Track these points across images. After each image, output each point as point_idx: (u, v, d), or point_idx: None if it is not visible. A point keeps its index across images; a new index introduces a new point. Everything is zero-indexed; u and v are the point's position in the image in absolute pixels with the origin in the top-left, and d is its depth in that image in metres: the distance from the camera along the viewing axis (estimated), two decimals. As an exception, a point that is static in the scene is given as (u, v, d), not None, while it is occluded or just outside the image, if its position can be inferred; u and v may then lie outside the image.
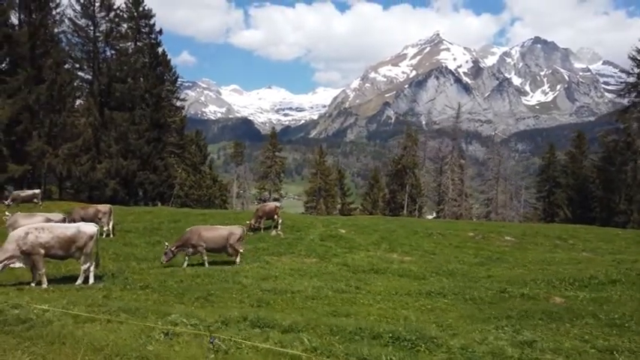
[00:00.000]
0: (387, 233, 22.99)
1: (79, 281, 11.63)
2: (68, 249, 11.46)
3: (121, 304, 7.63)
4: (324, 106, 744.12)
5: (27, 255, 10.87)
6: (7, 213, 17.97)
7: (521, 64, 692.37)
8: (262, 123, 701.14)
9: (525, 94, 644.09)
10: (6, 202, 28.02)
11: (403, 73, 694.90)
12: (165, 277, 11.97)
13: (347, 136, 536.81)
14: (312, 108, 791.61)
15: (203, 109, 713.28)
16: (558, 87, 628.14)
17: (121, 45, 46.19)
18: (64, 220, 15.92)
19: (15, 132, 35.91)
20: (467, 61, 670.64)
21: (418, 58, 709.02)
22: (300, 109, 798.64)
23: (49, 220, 15.88)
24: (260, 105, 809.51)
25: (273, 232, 20.85)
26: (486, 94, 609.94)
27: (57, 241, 11.21)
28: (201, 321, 6.36)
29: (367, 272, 13.65)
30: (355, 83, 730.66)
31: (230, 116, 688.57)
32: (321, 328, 6.43)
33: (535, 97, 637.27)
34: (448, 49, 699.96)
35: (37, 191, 31.34)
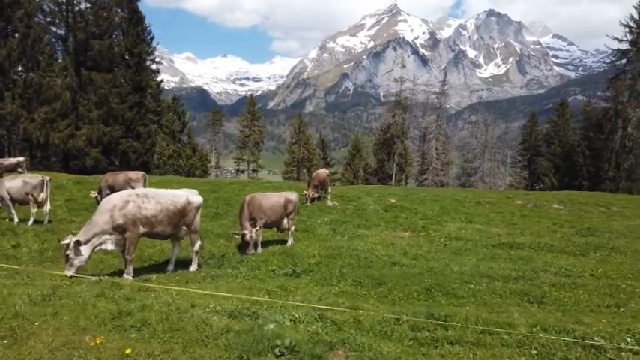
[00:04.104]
0: (437, 203, 21.31)
1: (194, 266, 9.01)
2: (177, 225, 8.70)
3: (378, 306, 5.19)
4: (282, 77, 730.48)
5: (122, 231, 8.06)
6: None
7: (475, 37, 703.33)
8: (218, 93, 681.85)
9: (479, 66, 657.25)
10: (-12, 173, 24.09)
11: (361, 43, 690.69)
12: (290, 258, 9.56)
13: (306, 107, 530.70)
14: (269, 78, 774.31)
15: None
16: (510, 60, 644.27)
17: (96, -3, 41.25)
18: (42, 183, 12.94)
19: (-14, 92, 31.29)
20: (424, 33, 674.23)
21: (376, 28, 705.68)
22: (257, 79, 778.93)
23: (26, 183, 12.83)
24: (215, 74, 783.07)
25: (330, 203, 18.57)
26: (443, 66, 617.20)
27: (166, 215, 8.37)
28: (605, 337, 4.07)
29: (500, 247, 11.78)
30: (313, 53, 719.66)
31: (184, 85, 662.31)
32: None
33: (489, 70, 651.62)
34: (405, 20, 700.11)
35: (21, 159, 27.32)
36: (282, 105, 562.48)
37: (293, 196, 12.26)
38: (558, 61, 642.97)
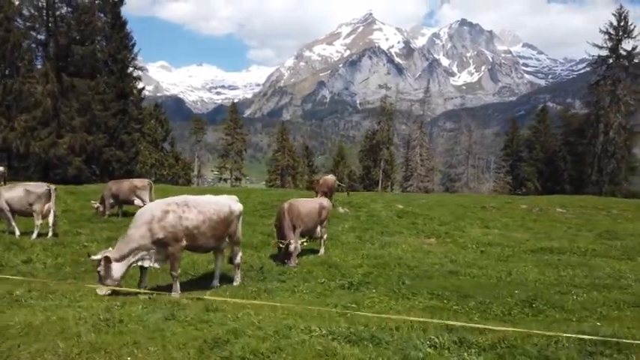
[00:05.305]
0: (445, 209, 21.03)
1: (238, 280, 8.23)
2: (221, 237, 7.87)
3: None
4: (258, 85, 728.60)
5: (162, 246, 7.24)
6: None
7: (449, 46, 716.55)
8: (193, 102, 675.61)
9: (453, 74, 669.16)
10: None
11: (337, 52, 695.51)
12: (335, 269, 8.90)
13: (283, 115, 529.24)
14: (245, 86, 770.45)
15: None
16: (483, 68, 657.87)
17: (78, 1, 39.94)
18: (48, 192, 11.92)
19: (-37, 99, 29.69)
20: (398, 42, 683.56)
21: (352, 37, 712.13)
22: (233, 88, 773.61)
23: (30, 192, 11.72)
24: (190, 83, 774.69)
25: (341, 210, 17.97)
26: (417, 75, 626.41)
27: (209, 226, 7.51)
28: None
29: (542, 253, 11.42)
30: (290, 62, 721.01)
31: (158, 94, 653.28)
32: None
33: (462, 78, 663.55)
34: (381, 29, 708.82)
35: (0, 169, 25.98)
36: (258, 113, 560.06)
37: (326, 202, 11.64)
38: (528, 69, 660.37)
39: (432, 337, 4.17)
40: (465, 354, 3.92)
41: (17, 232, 11.82)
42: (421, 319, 4.61)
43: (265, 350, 3.83)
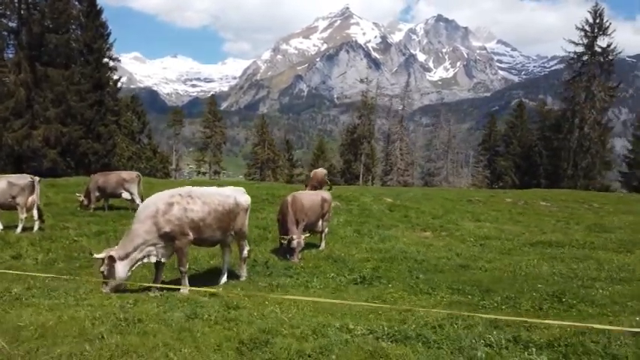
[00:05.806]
0: (434, 202, 21.08)
1: (244, 275, 7.93)
2: (226, 229, 7.55)
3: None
4: (235, 78, 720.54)
5: (169, 240, 6.90)
6: None
7: (425, 41, 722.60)
8: (168, 94, 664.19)
9: (429, 70, 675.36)
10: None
11: (314, 45, 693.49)
12: (342, 263, 8.67)
13: (260, 108, 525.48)
14: (221, 79, 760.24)
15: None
16: (458, 64, 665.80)
17: (52, -13, 38.48)
18: (32, 184, 11.32)
19: None
20: (375, 37, 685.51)
21: (329, 31, 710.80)
22: (209, 80, 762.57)
23: (12, 185, 11.05)
24: (165, 75, 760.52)
25: (333, 203, 17.76)
26: (394, 70, 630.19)
27: (214, 217, 7.21)
28: None
29: (542, 246, 11.35)
30: (266, 55, 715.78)
31: (132, 86, 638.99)
32: None
33: (438, 74, 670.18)
34: (358, 24, 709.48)
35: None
36: (235, 106, 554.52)
37: (328, 195, 11.44)
38: (502, 65, 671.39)
39: (487, 335, 3.98)
40: (526, 353, 3.75)
41: (0, 227, 11.26)
42: (486, 316, 4.41)
43: (311, 351, 3.58)
